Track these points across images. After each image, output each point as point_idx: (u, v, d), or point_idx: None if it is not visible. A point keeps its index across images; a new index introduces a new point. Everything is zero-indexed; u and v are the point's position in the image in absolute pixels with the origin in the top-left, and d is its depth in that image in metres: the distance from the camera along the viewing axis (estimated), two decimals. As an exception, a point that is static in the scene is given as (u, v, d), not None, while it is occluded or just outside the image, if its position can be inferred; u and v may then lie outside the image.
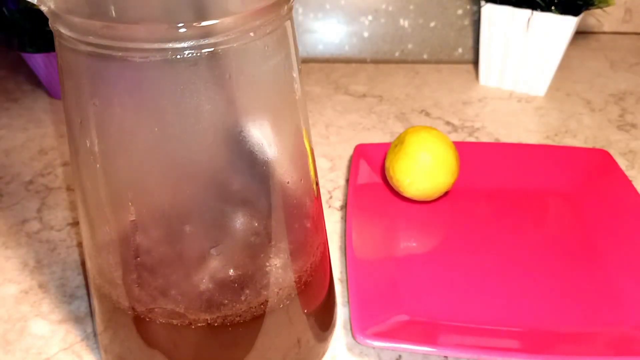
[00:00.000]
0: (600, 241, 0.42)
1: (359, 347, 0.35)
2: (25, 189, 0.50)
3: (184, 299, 0.26)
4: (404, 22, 0.71)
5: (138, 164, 0.24)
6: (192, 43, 0.21)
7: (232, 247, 0.26)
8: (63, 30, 0.21)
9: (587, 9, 0.59)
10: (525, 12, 0.59)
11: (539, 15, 0.59)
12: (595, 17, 0.76)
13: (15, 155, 0.55)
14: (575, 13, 0.58)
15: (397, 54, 0.72)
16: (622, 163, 0.52)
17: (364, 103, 0.64)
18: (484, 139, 0.57)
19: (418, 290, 0.38)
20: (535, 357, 0.32)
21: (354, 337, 0.33)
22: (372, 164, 0.48)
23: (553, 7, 0.59)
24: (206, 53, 0.21)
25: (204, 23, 0.20)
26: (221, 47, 0.21)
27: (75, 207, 0.47)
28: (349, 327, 0.36)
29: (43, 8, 0.22)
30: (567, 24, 0.58)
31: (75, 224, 0.45)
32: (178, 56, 0.21)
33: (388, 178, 0.45)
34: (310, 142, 0.28)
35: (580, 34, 0.78)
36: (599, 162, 0.48)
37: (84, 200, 0.26)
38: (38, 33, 0.57)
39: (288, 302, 0.29)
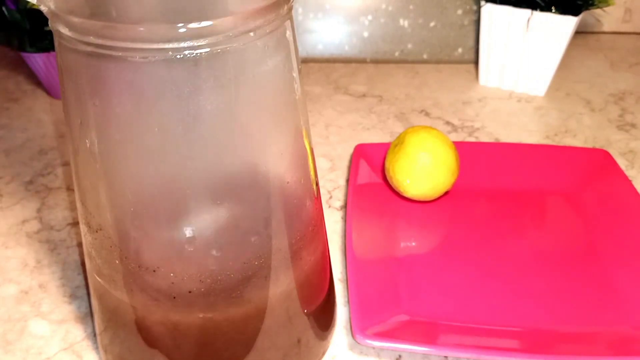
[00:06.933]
0: (600, 241, 0.42)
1: (359, 346, 0.35)
2: (25, 189, 0.50)
3: (184, 298, 0.26)
4: (404, 22, 0.71)
5: (138, 164, 0.24)
6: (191, 43, 0.21)
7: (233, 247, 0.26)
8: (63, 30, 0.21)
9: (587, 8, 0.59)
10: (525, 12, 0.59)
11: (539, 15, 0.59)
12: (595, 17, 0.76)
13: (15, 155, 0.55)
14: (575, 13, 0.58)
15: (397, 54, 0.72)
16: (622, 163, 0.52)
17: (363, 103, 0.64)
18: (484, 139, 0.57)
19: (418, 290, 0.38)
20: (535, 357, 0.32)
21: (354, 337, 0.33)
22: (372, 164, 0.48)
23: (553, 7, 0.59)
24: (206, 53, 0.21)
25: (203, 23, 0.20)
26: (221, 47, 0.21)
27: (75, 207, 0.47)
28: (349, 327, 0.36)
29: (43, 8, 0.22)
30: (567, 23, 0.58)
31: (75, 224, 0.45)
32: (178, 56, 0.21)
33: (388, 178, 0.45)
34: (310, 142, 0.28)
35: (580, 33, 0.78)
36: (599, 162, 0.48)
37: (83, 200, 0.26)
38: (38, 33, 0.57)
39: (288, 301, 0.29)
